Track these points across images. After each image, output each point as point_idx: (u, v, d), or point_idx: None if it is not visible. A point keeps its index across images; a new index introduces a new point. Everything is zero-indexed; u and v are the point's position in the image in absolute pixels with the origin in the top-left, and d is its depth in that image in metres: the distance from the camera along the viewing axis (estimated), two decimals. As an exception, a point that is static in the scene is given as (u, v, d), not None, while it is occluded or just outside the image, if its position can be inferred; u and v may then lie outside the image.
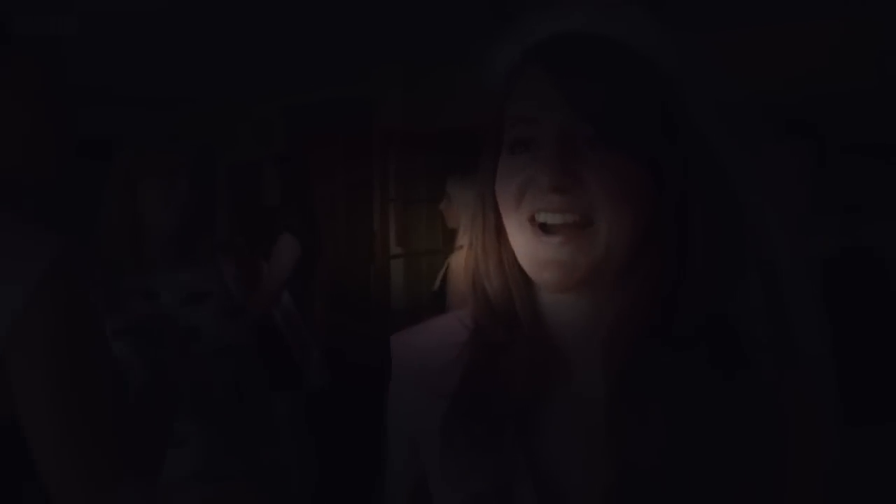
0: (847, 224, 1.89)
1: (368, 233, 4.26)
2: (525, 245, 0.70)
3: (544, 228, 0.68)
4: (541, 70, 0.70)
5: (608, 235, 0.67)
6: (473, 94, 0.79)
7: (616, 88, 0.68)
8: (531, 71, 0.71)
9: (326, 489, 2.51)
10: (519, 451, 0.71)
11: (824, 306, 0.72)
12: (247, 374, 1.95)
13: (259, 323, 2.21)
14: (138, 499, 1.03)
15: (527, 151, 0.70)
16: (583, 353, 0.73)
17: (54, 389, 0.98)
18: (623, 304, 0.71)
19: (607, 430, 0.69)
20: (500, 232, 0.75)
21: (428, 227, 4.11)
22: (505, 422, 0.72)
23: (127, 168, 1.89)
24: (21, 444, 1.00)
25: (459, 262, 2.54)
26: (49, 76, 1.22)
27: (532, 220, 0.69)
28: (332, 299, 2.99)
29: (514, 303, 0.75)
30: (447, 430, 0.74)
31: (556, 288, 0.70)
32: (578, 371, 0.74)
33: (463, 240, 2.69)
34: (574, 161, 0.67)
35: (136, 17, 2.97)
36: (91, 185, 1.91)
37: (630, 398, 0.68)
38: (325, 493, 2.50)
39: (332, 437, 2.62)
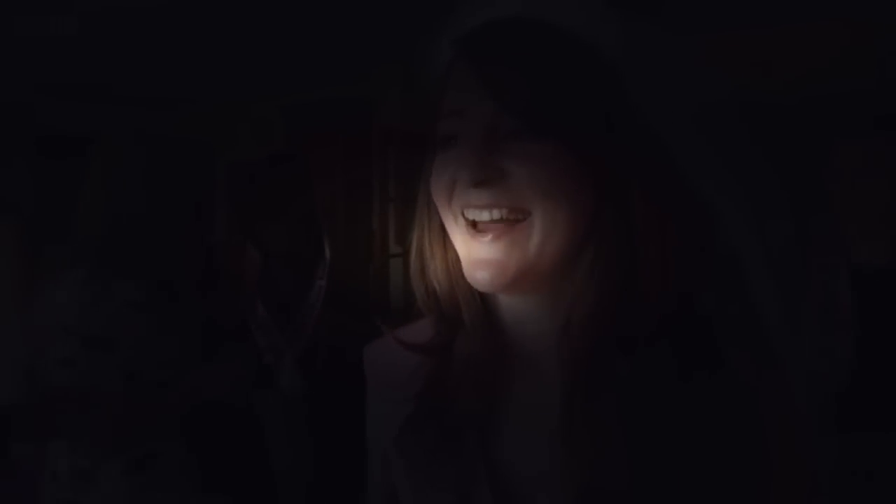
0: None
1: (367, 232, 4.25)
2: (461, 244, 0.68)
3: (475, 226, 0.66)
4: (465, 61, 0.67)
5: (541, 229, 0.64)
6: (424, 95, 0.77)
7: (542, 76, 0.64)
8: (458, 62, 0.69)
9: (323, 490, 2.50)
10: (478, 459, 0.68)
11: (801, 306, 0.69)
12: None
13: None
14: None
15: (455, 146, 0.68)
16: (539, 354, 0.70)
17: None
18: (572, 302, 0.67)
19: (563, 437, 0.65)
20: (443, 231, 0.72)
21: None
22: (461, 429, 0.69)
23: None
24: None
25: None
26: None
27: (465, 217, 0.66)
28: (331, 298, 2.98)
29: (458, 302, 0.72)
30: (404, 439, 0.71)
31: (489, 288, 0.67)
32: (535, 374, 0.70)
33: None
34: (497, 154, 0.64)
35: (135, 17, 2.96)
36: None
37: (585, 403, 0.64)
38: (321, 494, 2.49)
39: (330, 438, 2.61)
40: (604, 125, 0.65)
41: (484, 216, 0.65)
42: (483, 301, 0.73)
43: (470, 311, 0.72)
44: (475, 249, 0.66)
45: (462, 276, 0.70)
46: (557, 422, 0.66)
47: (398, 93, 4.20)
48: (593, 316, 0.65)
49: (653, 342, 0.64)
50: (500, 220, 0.65)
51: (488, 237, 0.65)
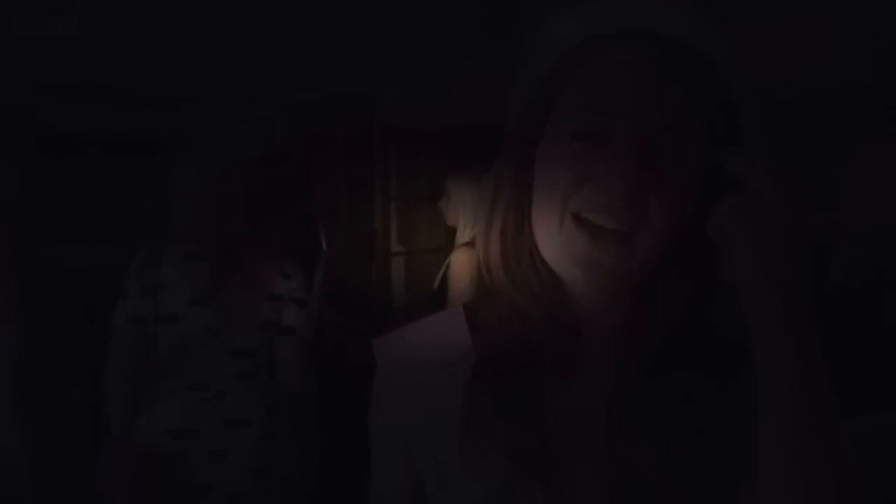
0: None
1: (369, 231, 4.25)
2: (566, 240, 0.67)
3: (587, 227, 0.65)
4: (632, 62, 0.65)
5: (646, 250, 0.64)
6: (475, 92, 0.76)
7: (702, 101, 0.65)
8: (617, 60, 0.66)
9: (326, 489, 2.50)
10: (531, 447, 0.68)
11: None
12: None
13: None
14: None
15: (590, 144, 0.66)
16: (595, 349, 0.71)
17: None
18: (636, 307, 0.69)
19: (608, 434, 0.68)
20: (527, 219, 0.71)
21: (429, 225, 4.10)
22: (522, 417, 0.69)
23: None
24: None
25: (460, 260, 2.53)
26: None
27: (577, 216, 0.65)
28: (333, 298, 2.98)
29: (535, 293, 0.71)
30: (466, 428, 0.70)
31: (599, 294, 0.68)
32: (590, 367, 0.71)
33: (462, 237, 2.69)
34: (650, 178, 0.63)
35: (135, 16, 2.96)
36: (94, 181, 1.95)
37: (633, 402, 0.67)
38: (324, 493, 2.50)
39: (332, 437, 2.61)
40: (721, 152, 0.66)
41: (611, 225, 0.64)
42: (557, 298, 0.72)
43: (547, 307, 0.71)
44: (588, 251, 0.65)
45: (542, 266, 0.70)
46: (604, 421, 0.68)
47: (400, 92, 4.20)
48: (655, 325, 0.68)
49: (700, 352, 0.68)
50: (616, 231, 0.65)
51: (604, 242, 0.65)
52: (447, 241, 3.48)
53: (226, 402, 2.01)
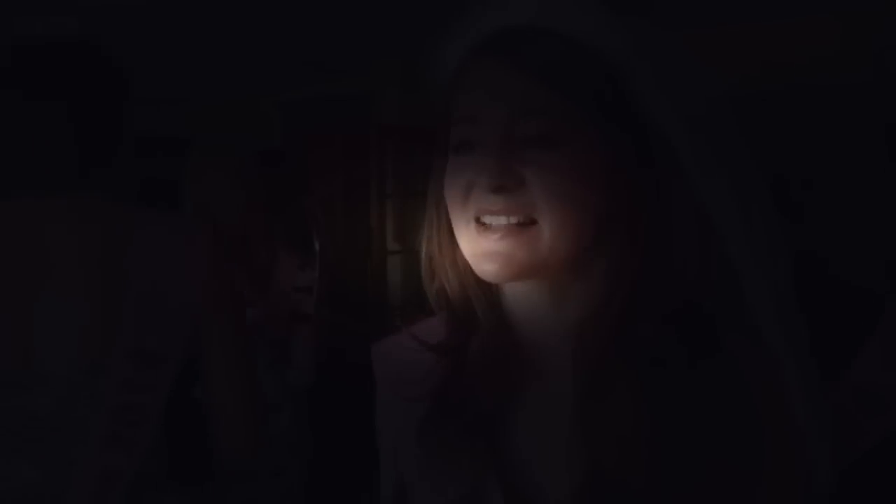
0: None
1: (365, 230, 4.25)
2: (468, 242, 0.69)
3: (486, 229, 0.67)
4: (485, 65, 0.68)
5: (550, 233, 0.65)
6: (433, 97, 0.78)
7: (557, 83, 0.66)
8: (476, 66, 0.70)
9: (320, 488, 2.51)
10: (489, 454, 0.69)
11: (796, 304, 0.70)
12: None
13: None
14: None
15: (471, 152, 0.69)
16: (550, 348, 0.72)
17: None
18: (586, 295, 0.69)
19: (575, 429, 0.67)
20: (452, 231, 0.73)
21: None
22: (475, 425, 0.70)
23: None
24: None
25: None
26: None
27: (477, 220, 0.68)
28: (329, 296, 2.99)
29: (470, 301, 0.74)
30: (421, 437, 0.72)
31: (498, 278, 0.69)
32: (546, 369, 0.72)
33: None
34: (515, 161, 0.65)
35: (135, 16, 2.96)
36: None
37: (598, 394, 0.67)
38: (319, 492, 2.50)
39: (328, 436, 2.62)
40: (616, 130, 0.67)
41: (500, 221, 0.66)
42: (495, 300, 0.74)
43: (482, 309, 0.73)
44: (483, 244, 0.67)
45: (472, 275, 0.72)
46: (569, 418, 0.68)
47: (396, 90, 4.20)
48: (606, 313, 0.67)
49: (661, 335, 0.66)
50: (512, 224, 0.66)
51: (497, 235, 0.66)
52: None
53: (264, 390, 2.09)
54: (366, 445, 0.89)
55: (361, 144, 4.25)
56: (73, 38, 1.36)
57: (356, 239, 4.38)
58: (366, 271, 4.25)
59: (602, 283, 0.68)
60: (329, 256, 2.81)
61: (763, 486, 0.66)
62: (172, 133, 3.70)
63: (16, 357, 1.11)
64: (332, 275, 2.85)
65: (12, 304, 1.13)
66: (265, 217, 2.24)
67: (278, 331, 2.19)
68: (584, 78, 0.67)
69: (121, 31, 3.24)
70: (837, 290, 1.53)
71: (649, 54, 0.68)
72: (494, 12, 0.70)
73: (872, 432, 1.37)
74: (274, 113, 4.73)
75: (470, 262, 0.70)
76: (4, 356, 1.11)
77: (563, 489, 0.67)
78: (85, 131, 1.20)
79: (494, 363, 0.72)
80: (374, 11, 3.14)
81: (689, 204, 0.68)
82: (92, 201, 1.19)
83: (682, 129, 0.67)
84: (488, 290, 0.74)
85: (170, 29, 3.30)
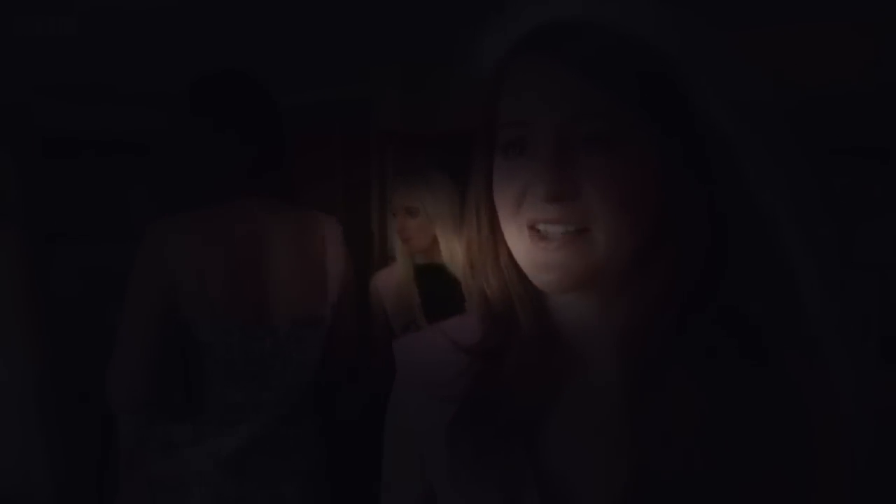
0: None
1: (366, 235, 4.25)
2: (523, 250, 0.67)
3: (541, 236, 0.65)
4: (532, 63, 0.66)
5: (606, 243, 0.64)
6: (470, 95, 0.75)
7: (614, 83, 0.63)
8: (523, 64, 0.67)
9: (332, 487, 2.50)
10: (527, 461, 0.67)
11: (842, 309, 0.68)
12: None
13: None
14: None
15: (522, 154, 0.66)
16: (595, 351, 0.70)
17: None
18: (636, 301, 0.67)
19: (624, 430, 0.66)
20: (496, 234, 0.71)
21: (426, 228, 4.09)
22: (511, 428, 0.68)
23: None
24: None
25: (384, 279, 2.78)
26: None
27: (531, 227, 0.66)
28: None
29: (514, 304, 0.72)
30: (452, 439, 0.70)
31: (555, 289, 0.67)
32: (591, 371, 0.70)
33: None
34: (572, 168, 0.63)
35: (135, 16, 2.96)
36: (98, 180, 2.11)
37: (648, 396, 0.65)
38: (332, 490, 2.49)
39: (329, 439, 2.61)
40: (669, 130, 0.65)
41: (556, 229, 0.65)
42: (540, 305, 0.72)
43: (525, 311, 0.71)
44: (540, 254, 0.66)
45: (517, 279, 0.70)
46: (615, 421, 0.66)
47: (397, 94, 4.20)
48: (658, 314, 0.66)
49: (711, 337, 0.65)
50: (569, 232, 0.65)
51: (554, 244, 0.65)
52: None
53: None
54: (366, 449, 0.87)
55: (362, 149, 4.24)
56: (235, 71, 2.10)
57: (356, 244, 4.37)
58: (366, 276, 4.24)
59: (654, 289, 0.67)
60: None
61: (808, 496, 0.65)
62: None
63: (255, 316, 1.75)
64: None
65: (252, 280, 1.75)
66: None
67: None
68: (636, 75, 0.64)
69: (121, 32, 3.25)
70: None
71: (699, 48, 0.65)
72: (536, 6, 0.68)
73: None
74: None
75: (526, 271, 0.68)
76: (248, 317, 1.73)
77: (604, 493, 0.65)
78: (258, 145, 2.01)
79: (535, 368, 0.70)
80: (374, 16, 3.14)
81: (744, 206, 0.66)
82: (292, 205, 1.94)
83: (741, 130, 0.65)
84: (535, 296, 0.72)
85: (172, 32, 3.29)
